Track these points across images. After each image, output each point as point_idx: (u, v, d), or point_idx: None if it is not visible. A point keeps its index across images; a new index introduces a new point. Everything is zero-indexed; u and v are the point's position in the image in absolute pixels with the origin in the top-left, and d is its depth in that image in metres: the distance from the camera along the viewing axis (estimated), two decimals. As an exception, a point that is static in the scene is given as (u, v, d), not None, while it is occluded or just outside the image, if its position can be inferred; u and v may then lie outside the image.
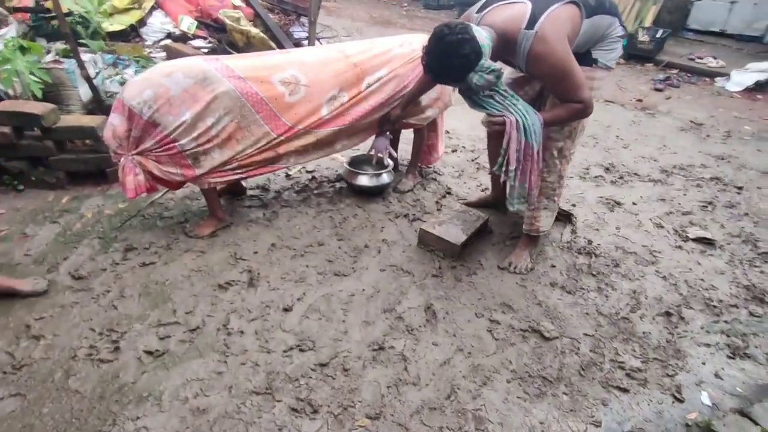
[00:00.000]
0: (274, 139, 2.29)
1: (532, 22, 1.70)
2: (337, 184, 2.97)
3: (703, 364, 1.85)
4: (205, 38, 4.20)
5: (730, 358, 1.88)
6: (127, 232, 2.44)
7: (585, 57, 1.96)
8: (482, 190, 3.00)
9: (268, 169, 2.42)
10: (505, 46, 1.80)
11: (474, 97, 1.86)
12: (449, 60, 1.70)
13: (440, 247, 2.36)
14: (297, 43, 4.67)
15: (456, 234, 2.36)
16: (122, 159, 2.16)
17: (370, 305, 2.04)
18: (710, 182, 3.27)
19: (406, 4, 10.48)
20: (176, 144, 2.10)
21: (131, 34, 3.94)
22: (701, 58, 6.02)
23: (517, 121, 1.83)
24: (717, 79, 5.62)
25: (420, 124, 2.73)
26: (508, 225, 2.65)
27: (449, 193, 2.93)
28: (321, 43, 4.96)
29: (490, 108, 1.86)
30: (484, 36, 1.72)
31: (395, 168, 2.87)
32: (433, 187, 2.99)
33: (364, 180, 2.76)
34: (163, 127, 2.07)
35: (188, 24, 4.08)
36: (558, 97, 1.90)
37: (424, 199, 2.85)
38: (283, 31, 4.58)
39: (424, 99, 2.60)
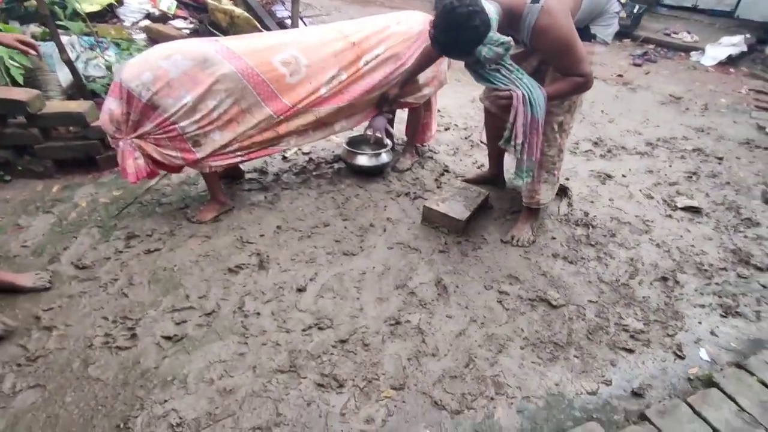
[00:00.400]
0: (275, 118, 2.27)
1: (537, 4, 1.75)
2: (336, 165, 2.97)
3: (699, 323, 1.96)
4: (185, 18, 4.07)
5: (722, 317, 2.00)
6: (126, 219, 2.40)
7: (584, 32, 2.01)
8: (478, 167, 3.05)
9: (268, 151, 2.40)
10: (510, 21, 1.83)
11: (480, 71, 1.88)
12: (458, 32, 1.71)
13: (444, 224, 2.41)
14: (280, 23, 4.56)
15: (459, 210, 2.40)
16: (121, 143, 2.11)
17: (382, 282, 2.08)
18: (693, 153, 3.41)
19: (382, -18, 10.33)
20: (176, 126, 2.06)
21: (107, 14, 3.77)
22: (676, 33, 6.17)
23: (523, 95, 1.86)
24: (692, 53, 5.79)
25: (417, 103, 2.74)
26: (507, 200, 2.71)
27: (447, 171, 2.97)
28: (305, 23, 4.85)
29: (496, 82, 1.89)
30: (491, 9, 1.73)
31: (392, 147, 2.88)
32: (431, 165, 3.02)
33: (363, 160, 2.76)
34: (162, 109, 2.02)
35: (168, 4, 3.94)
36: (560, 70, 1.94)
37: (423, 178, 2.88)
38: (265, 10, 4.46)
39: (421, 77, 2.61)
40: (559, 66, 1.94)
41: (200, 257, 2.16)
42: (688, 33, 6.15)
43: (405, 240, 2.34)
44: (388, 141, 2.83)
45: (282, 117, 2.28)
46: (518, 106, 1.87)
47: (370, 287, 2.05)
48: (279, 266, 2.13)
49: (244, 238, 2.30)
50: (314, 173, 2.86)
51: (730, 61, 5.53)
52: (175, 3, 4.01)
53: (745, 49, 5.65)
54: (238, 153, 2.28)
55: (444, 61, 2.67)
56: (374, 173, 2.83)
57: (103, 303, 1.91)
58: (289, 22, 4.64)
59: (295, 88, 2.28)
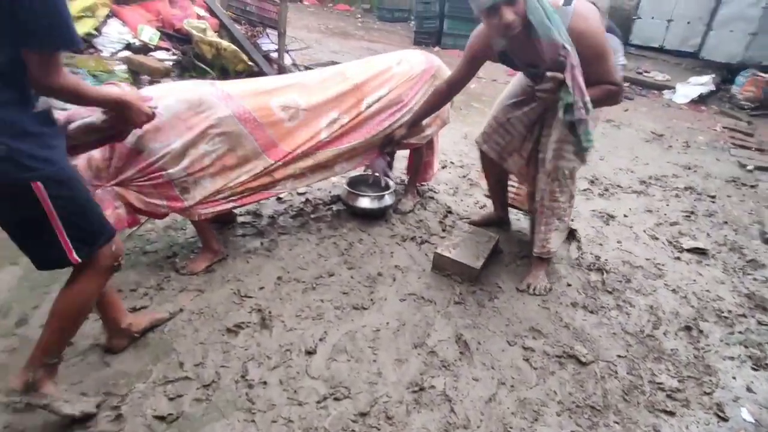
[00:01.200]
0: (272, 164, 2.12)
1: (569, 1, 1.74)
2: (334, 207, 2.81)
3: (734, 378, 1.88)
4: (168, 50, 3.90)
5: (754, 369, 1.93)
6: (105, 271, 2.14)
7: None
8: (481, 207, 2.96)
9: (262, 195, 2.24)
10: None
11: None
12: None
13: (457, 271, 2.27)
14: (266, 55, 4.46)
15: (472, 257, 2.28)
16: (99, 191, 1.89)
17: (399, 340, 1.90)
18: (685, 192, 3.44)
19: (359, 16, 10.45)
20: (162, 173, 1.87)
21: (85, 44, 3.56)
22: (648, 72, 6.44)
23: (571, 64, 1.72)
24: (664, 91, 6.03)
25: (420, 143, 2.64)
26: (515, 243, 2.61)
27: (450, 212, 2.86)
28: (290, 56, 4.76)
29: (553, 26, 1.71)
30: None
31: (394, 189, 2.75)
32: (433, 206, 2.91)
33: (366, 202, 2.62)
34: (148, 154, 1.83)
35: (150, 35, 3.77)
36: (594, 78, 1.80)
37: (427, 220, 2.75)
38: (250, 42, 4.34)
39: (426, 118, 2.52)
40: (593, 73, 1.80)
41: (193, 315, 1.93)
42: (660, 72, 6.43)
43: (417, 290, 2.19)
44: (390, 182, 2.70)
45: (280, 162, 2.14)
46: (573, 70, 1.72)
47: (387, 347, 1.87)
48: (284, 324, 1.93)
49: (241, 291, 2.08)
50: (312, 216, 2.69)
51: (701, 100, 5.78)
52: (158, 34, 3.84)
53: (713, 88, 5.93)
54: (231, 199, 2.11)
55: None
56: (377, 216, 2.68)
57: (82, 375, 1.64)
58: (275, 55, 4.54)
59: (293, 133, 2.15)
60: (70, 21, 1.13)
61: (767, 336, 2.11)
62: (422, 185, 3.07)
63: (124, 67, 3.51)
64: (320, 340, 1.87)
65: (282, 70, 4.51)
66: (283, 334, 1.88)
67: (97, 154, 1.81)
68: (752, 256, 2.69)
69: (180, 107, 1.85)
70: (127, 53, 3.62)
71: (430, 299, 2.14)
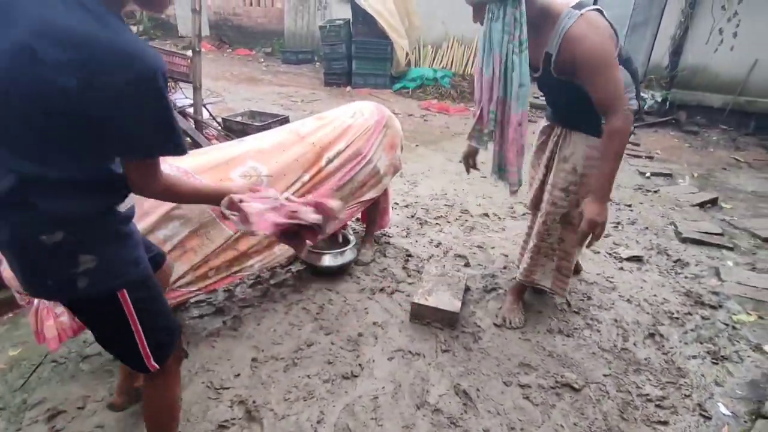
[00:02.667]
0: (232, 237, 1.97)
1: (579, 6, 1.65)
2: (293, 268, 2.65)
3: (703, 376, 2.05)
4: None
5: (714, 363, 2.13)
6: (39, 389, 1.80)
7: (592, 125, 1.84)
8: (436, 246, 2.99)
9: (229, 279, 2.06)
10: (543, 20, 1.69)
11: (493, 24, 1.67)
12: None
13: (437, 318, 2.24)
14: (182, 111, 4.19)
15: (449, 301, 2.27)
16: (36, 300, 1.59)
17: (400, 404, 1.81)
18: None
19: (262, 60, 10.35)
20: None
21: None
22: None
23: (494, 71, 1.72)
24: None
25: (379, 194, 2.62)
26: (479, 279, 2.66)
27: (410, 256, 2.85)
28: (208, 110, 4.54)
29: (494, 45, 1.69)
30: None
31: (348, 240, 2.68)
32: (392, 251, 2.88)
33: (329, 260, 2.51)
34: None
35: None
36: (595, 99, 1.69)
37: (391, 267, 2.71)
38: (163, 100, 4.06)
39: (381, 167, 2.51)
40: (593, 92, 1.69)
41: (165, 424, 1.67)
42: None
43: (402, 345, 2.12)
44: (350, 236, 2.63)
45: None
46: (483, 83, 1.75)
47: (390, 414, 1.77)
48: (273, 413, 1.74)
49: (215, 383, 1.86)
50: (273, 282, 2.52)
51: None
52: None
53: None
54: (193, 287, 1.90)
55: (398, 147, 2.63)
56: (341, 272, 2.58)
57: None
58: (191, 110, 4.30)
59: None
60: (178, 126, 1.04)
61: (713, 330, 2.35)
62: (376, 232, 3.03)
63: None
64: (318, 422, 1.72)
65: (199, 125, 4.27)
66: (276, 425, 1.70)
67: None
68: (677, 256, 3.01)
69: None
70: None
71: (417, 352, 2.08)
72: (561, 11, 1.67)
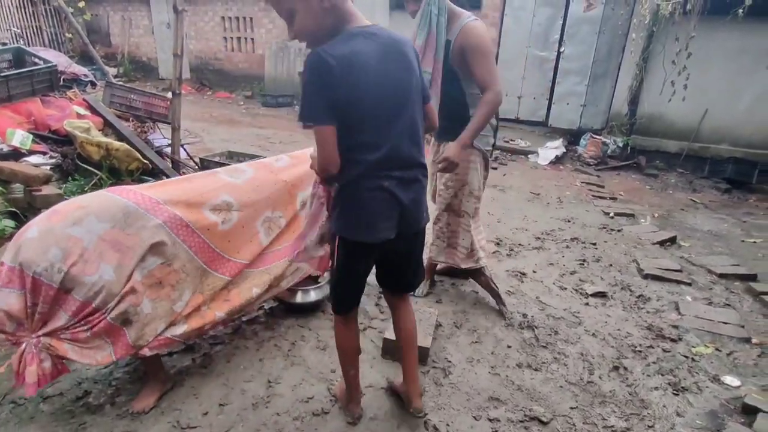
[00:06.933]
0: (219, 278, 1.99)
1: (471, 17, 2.32)
2: (265, 305, 2.65)
3: (665, 407, 2.11)
4: (45, 153, 3.50)
5: (675, 394, 2.20)
6: (-5, 433, 1.73)
7: (457, 132, 2.30)
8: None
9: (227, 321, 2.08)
10: (450, 18, 2.32)
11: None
12: None
13: (408, 353, 2.27)
14: (159, 152, 4.24)
15: (420, 337, 2.30)
16: (24, 344, 1.58)
17: (371, 441, 1.81)
18: (573, 242, 3.95)
19: (242, 103, 10.56)
20: (102, 312, 1.64)
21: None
22: (513, 140, 7.46)
23: (427, 40, 2.34)
24: (529, 156, 7.01)
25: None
26: (450, 315, 2.71)
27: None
28: (186, 150, 4.60)
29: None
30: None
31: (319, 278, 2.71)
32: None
33: (301, 296, 2.53)
34: (77, 292, 1.59)
35: (20, 138, 3.37)
36: (477, 78, 2.26)
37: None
38: (141, 139, 4.11)
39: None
40: (477, 72, 2.25)
41: (127, 466, 1.63)
42: (521, 139, 7.51)
43: (374, 382, 2.13)
44: (324, 274, 2.67)
45: (228, 278, 2.02)
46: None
47: (360, 451, 1.76)
48: (241, 452, 1.71)
49: (182, 422, 1.82)
50: (244, 319, 2.51)
51: (558, 160, 6.84)
52: (30, 137, 3.45)
53: (564, 150, 7.07)
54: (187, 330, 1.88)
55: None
56: (314, 309, 2.60)
57: None
58: (168, 150, 4.35)
59: (228, 236, 2.03)
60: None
61: (673, 362, 2.44)
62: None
63: (-11, 177, 3.05)
64: (287, 461, 1.69)
65: (176, 164, 4.32)
66: (243, 465, 1.67)
67: (16, 304, 1.54)
68: (639, 292, 3.14)
69: (102, 227, 1.66)
70: (-8, 161, 3.16)
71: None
72: (462, 13, 2.33)
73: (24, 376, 1.55)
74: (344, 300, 1.77)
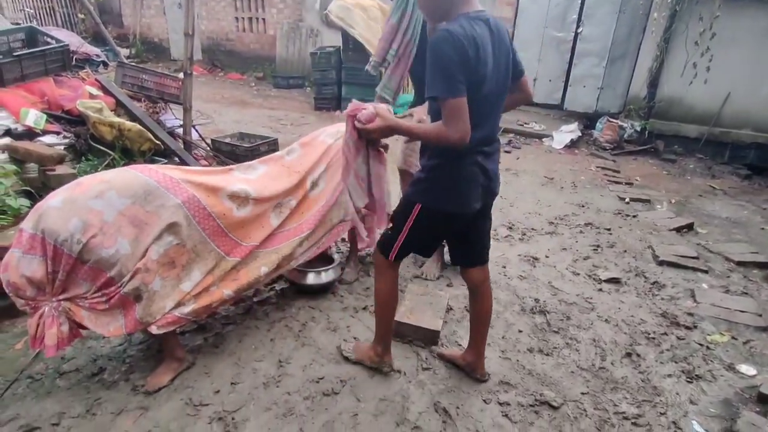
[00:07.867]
0: (228, 260, 2.00)
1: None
2: (277, 286, 2.67)
3: (677, 394, 2.09)
4: (58, 133, 3.52)
5: (689, 382, 2.17)
6: (14, 405, 1.77)
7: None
8: (419, 266, 3.02)
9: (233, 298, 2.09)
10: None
11: None
12: None
13: (418, 336, 2.27)
14: (171, 132, 4.24)
15: (430, 319, 2.30)
16: (45, 308, 1.62)
17: (381, 422, 1.82)
18: (587, 227, 3.89)
19: (254, 84, 10.50)
20: (117, 285, 1.66)
21: (-48, 135, 3.07)
22: (527, 123, 7.33)
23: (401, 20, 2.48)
24: (544, 139, 6.89)
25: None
26: (461, 299, 2.70)
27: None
28: (197, 131, 4.59)
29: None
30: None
31: (332, 259, 2.71)
32: (376, 271, 2.90)
33: (312, 278, 2.53)
34: (94, 263, 1.62)
35: (34, 118, 3.38)
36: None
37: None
38: (153, 120, 4.11)
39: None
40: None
41: (141, 441, 1.66)
42: (535, 123, 7.37)
43: (384, 363, 2.13)
44: (335, 256, 2.67)
45: (238, 259, 2.02)
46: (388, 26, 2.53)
47: (369, 431, 1.77)
48: (252, 431, 1.73)
49: (194, 399, 1.85)
50: (256, 300, 2.52)
51: (573, 144, 6.71)
52: (44, 117, 3.46)
53: (580, 134, 6.93)
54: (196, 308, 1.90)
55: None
56: (325, 290, 2.60)
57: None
58: (180, 131, 4.35)
59: (243, 222, 2.05)
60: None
61: (688, 349, 2.40)
62: (360, 251, 3.07)
63: (5, 155, 3.08)
64: (297, 439, 1.71)
65: (188, 145, 4.32)
66: (254, 442, 1.69)
67: (38, 270, 1.57)
68: (654, 279, 3.09)
69: (123, 203, 1.68)
70: (7, 140, 3.19)
71: (398, 370, 2.09)
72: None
73: (41, 339, 1.59)
74: (402, 254, 1.85)
